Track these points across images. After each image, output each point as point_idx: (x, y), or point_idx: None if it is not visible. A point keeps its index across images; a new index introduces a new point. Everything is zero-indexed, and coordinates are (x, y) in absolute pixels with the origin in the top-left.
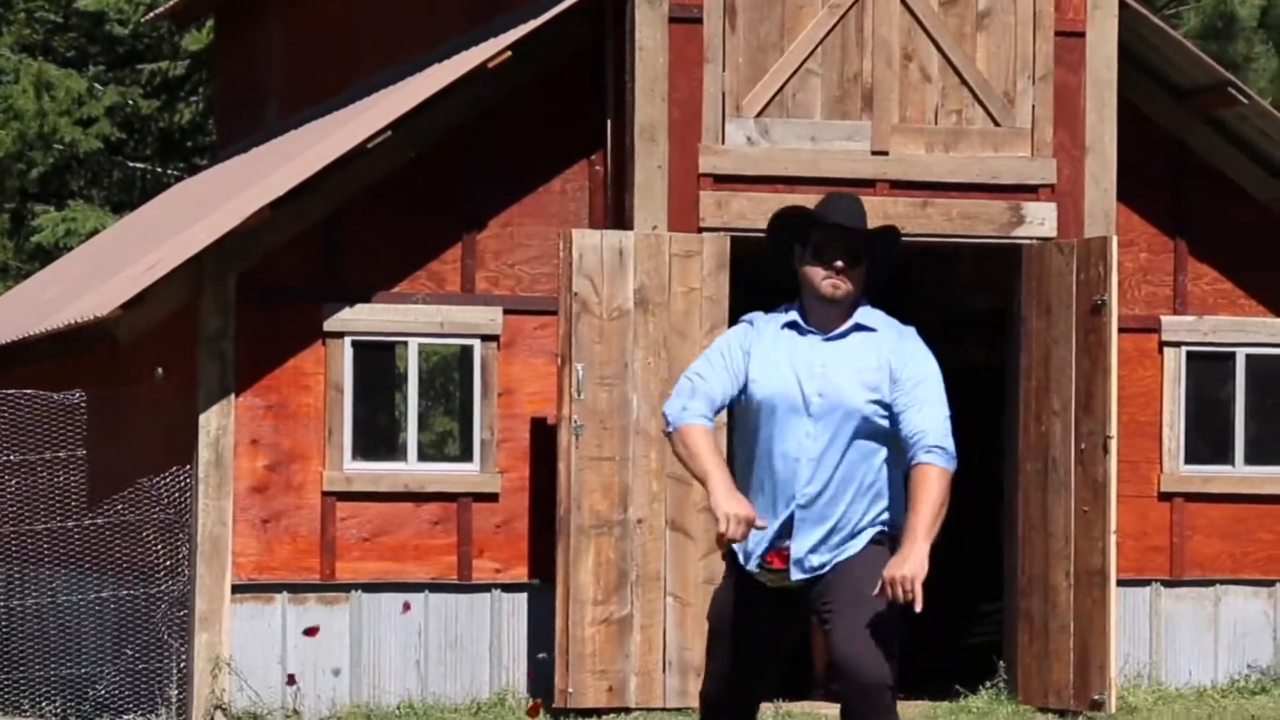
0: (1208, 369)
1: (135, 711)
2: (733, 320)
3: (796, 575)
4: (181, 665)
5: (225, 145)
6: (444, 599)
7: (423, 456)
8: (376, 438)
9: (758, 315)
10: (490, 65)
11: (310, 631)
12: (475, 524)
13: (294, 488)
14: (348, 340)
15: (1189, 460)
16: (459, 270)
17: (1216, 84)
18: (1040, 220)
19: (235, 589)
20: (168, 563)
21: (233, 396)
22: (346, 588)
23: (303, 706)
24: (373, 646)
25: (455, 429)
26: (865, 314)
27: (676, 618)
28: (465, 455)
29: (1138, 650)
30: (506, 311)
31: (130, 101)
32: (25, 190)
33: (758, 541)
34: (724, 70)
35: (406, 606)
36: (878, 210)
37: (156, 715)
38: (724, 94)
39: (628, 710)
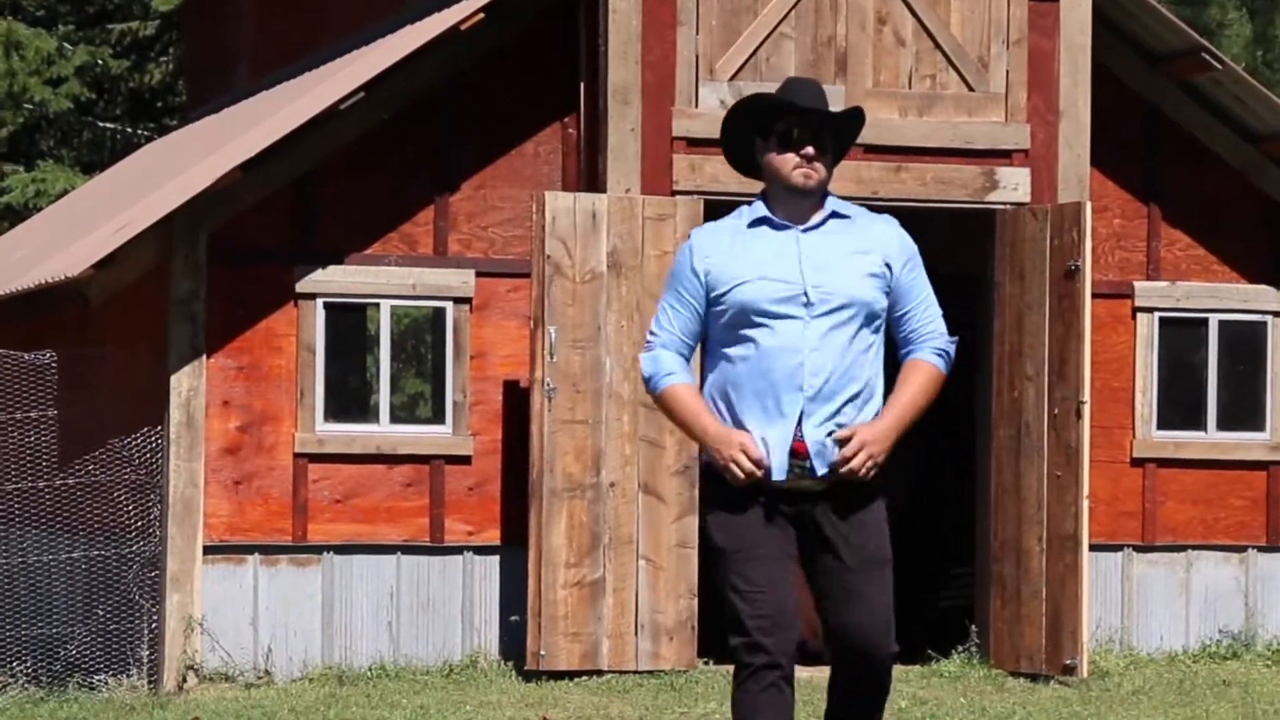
0: (1180, 335)
1: (106, 671)
2: None
3: (820, 469)
4: (153, 626)
5: (196, 106)
6: (416, 561)
7: (395, 419)
8: (348, 400)
9: (701, 229)
10: (463, 27)
11: None
12: (447, 486)
13: (266, 449)
14: (319, 302)
15: (1161, 426)
16: (431, 232)
17: (1190, 49)
18: (1014, 185)
19: (207, 550)
20: (139, 524)
21: (204, 358)
22: (318, 549)
23: (274, 668)
24: (344, 608)
25: (427, 391)
26: (835, 202)
27: (649, 580)
28: (437, 418)
29: (1110, 615)
30: (479, 274)
31: (100, 61)
32: None
33: (778, 449)
34: (697, 33)
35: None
36: (851, 174)
37: (128, 675)
38: (697, 57)
39: (600, 673)
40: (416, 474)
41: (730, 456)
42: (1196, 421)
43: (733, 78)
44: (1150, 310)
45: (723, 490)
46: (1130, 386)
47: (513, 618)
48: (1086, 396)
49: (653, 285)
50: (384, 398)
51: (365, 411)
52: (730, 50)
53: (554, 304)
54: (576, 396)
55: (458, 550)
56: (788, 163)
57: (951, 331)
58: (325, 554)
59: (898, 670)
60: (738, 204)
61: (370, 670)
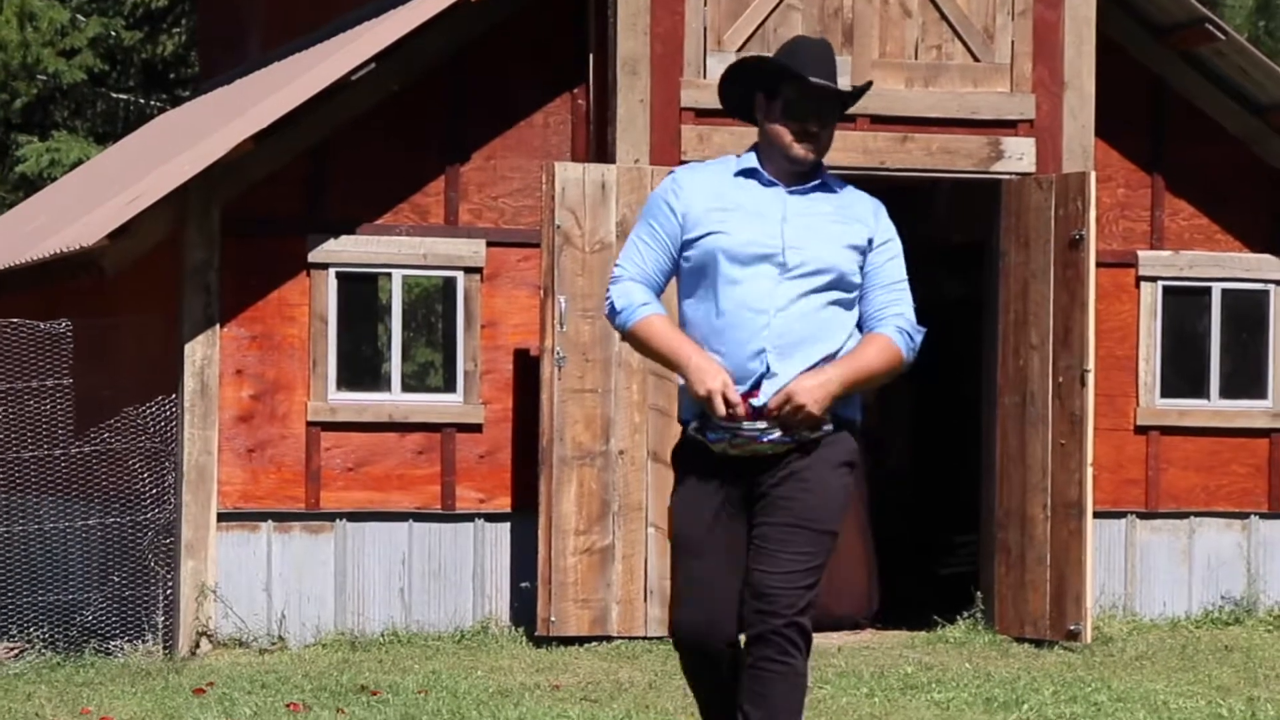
0: (1184, 304)
1: (122, 637)
2: None
3: (772, 434)
4: (168, 592)
5: (208, 77)
6: (428, 528)
7: (406, 387)
8: (360, 368)
9: (686, 168)
10: None
11: None
12: (459, 454)
13: (279, 417)
14: (332, 271)
15: (1165, 394)
16: (442, 203)
17: (1194, 20)
18: (1019, 155)
19: (221, 517)
20: (154, 491)
21: (217, 327)
22: (331, 516)
23: (287, 633)
24: (357, 575)
25: (438, 360)
26: (827, 175)
27: (658, 547)
28: (449, 386)
29: (1113, 581)
30: (490, 244)
31: (113, 33)
32: (9, 121)
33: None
34: (705, 4)
35: None
36: (857, 145)
37: (143, 641)
38: (705, 28)
39: (609, 638)
40: (428, 442)
41: (714, 388)
42: (1199, 390)
43: (740, 49)
44: (1154, 279)
45: (686, 471)
46: (1134, 355)
47: (523, 584)
48: (1090, 365)
49: None
50: (395, 367)
51: (377, 380)
52: (738, 21)
53: (564, 273)
54: (586, 365)
55: (469, 518)
56: (789, 133)
57: (953, 307)
58: (338, 521)
59: (904, 637)
60: None
61: (382, 636)
